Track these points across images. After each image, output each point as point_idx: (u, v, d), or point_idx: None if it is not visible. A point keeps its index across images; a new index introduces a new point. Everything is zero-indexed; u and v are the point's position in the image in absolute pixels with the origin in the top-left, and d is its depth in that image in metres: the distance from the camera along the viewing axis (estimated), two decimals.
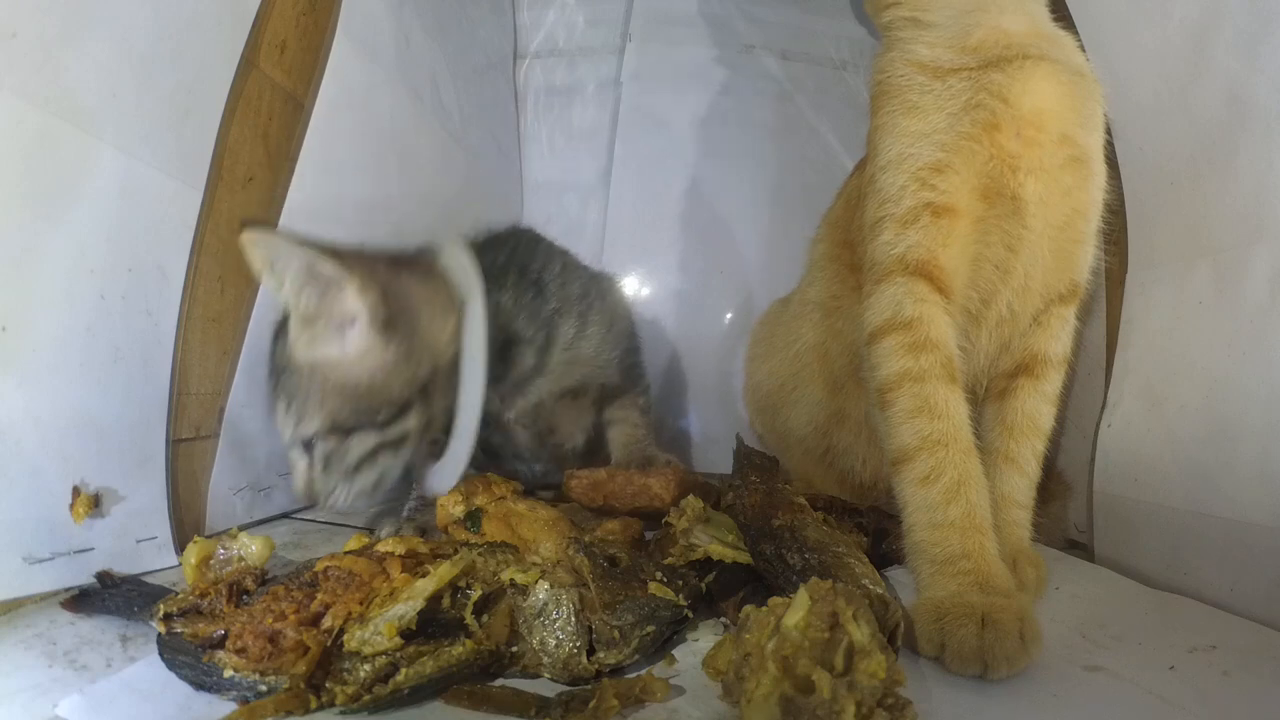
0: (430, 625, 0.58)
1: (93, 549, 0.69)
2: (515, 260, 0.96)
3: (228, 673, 0.55)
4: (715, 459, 1.30)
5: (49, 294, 0.66)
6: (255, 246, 0.71)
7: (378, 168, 1.10)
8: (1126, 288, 0.94)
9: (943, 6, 0.79)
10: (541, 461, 1.13)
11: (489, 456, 1.09)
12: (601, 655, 0.58)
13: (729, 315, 1.50)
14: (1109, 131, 0.84)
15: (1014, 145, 0.75)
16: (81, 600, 0.64)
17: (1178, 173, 0.86)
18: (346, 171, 1.02)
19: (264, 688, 0.54)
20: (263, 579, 0.66)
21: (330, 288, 0.75)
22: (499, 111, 1.50)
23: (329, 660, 0.55)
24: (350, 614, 0.58)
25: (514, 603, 0.61)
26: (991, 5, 0.78)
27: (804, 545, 0.67)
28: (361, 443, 0.78)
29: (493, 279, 0.91)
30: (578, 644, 0.58)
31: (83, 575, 0.67)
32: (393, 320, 0.78)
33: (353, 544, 0.70)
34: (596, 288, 1.05)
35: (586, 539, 0.71)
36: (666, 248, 1.51)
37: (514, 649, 0.59)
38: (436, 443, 0.85)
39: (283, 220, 0.91)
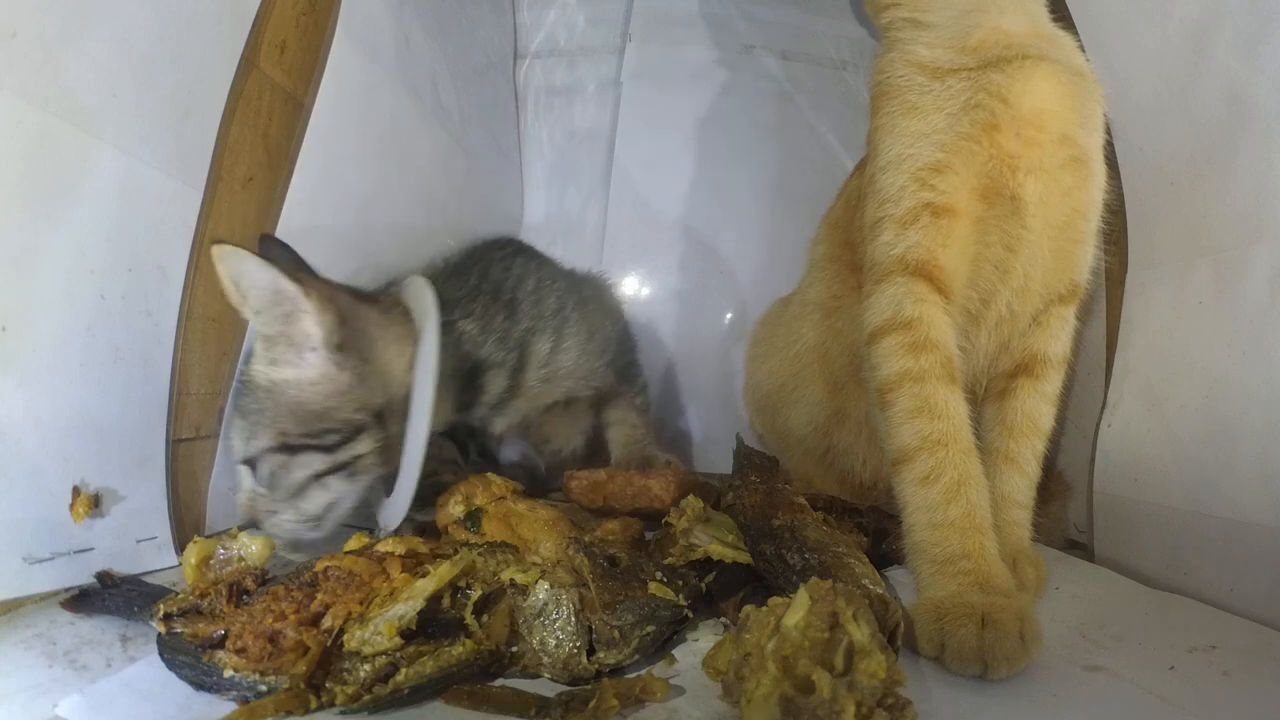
0: (430, 625, 0.58)
1: (93, 549, 0.69)
2: (487, 282, 0.95)
3: (228, 673, 0.55)
4: (715, 459, 1.30)
5: (49, 294, 0.66)
6: (222, 262, 0.72)
7: (378, 168, 1.10)
8: (1126, 288, 0.94)
9: (942, 7, 0.79)
10: (540, 467, 1.13)
11: (488, 463, 1.09)
12: (601, 655, 0.58)
13: (729, 315, 1.50)
14: (1109, 131, 0.84)
15: (1013, 145, 0.75)
16: (81, 600, 0.64)
17: (1178, 173, 0.86)
18: (346, 171, 1.02)
19: (264, 688, 0.54)
20: (263, 579, 0.65)
21: (290, 308, 0.75)
22: (499, 111, 1.50)
23: (329, 660, 0.55)
24: (350, 614, 0.58)
25: (514, 603, 0.61)
26: (991, 6, 0.78)
27: (804, 545, 0.67)
28: (307, 464, 0.76)
29: (461, 305, 0.90)
30: (578, 644, 0.58)
31: (83, 575, 0.67)
32: (346, 344, 0.77)
33: (353, 544, 0.70)
34: (576, 297, 1.03)
35: (586, 539, 0.71)
36: (666, 248, 1.51)
37: (514, 649, 0.59)
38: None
39: (283, 220, 0.91)
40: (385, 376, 0.81)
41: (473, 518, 0.79)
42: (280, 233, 0.90)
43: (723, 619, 0.69)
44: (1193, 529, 0.80)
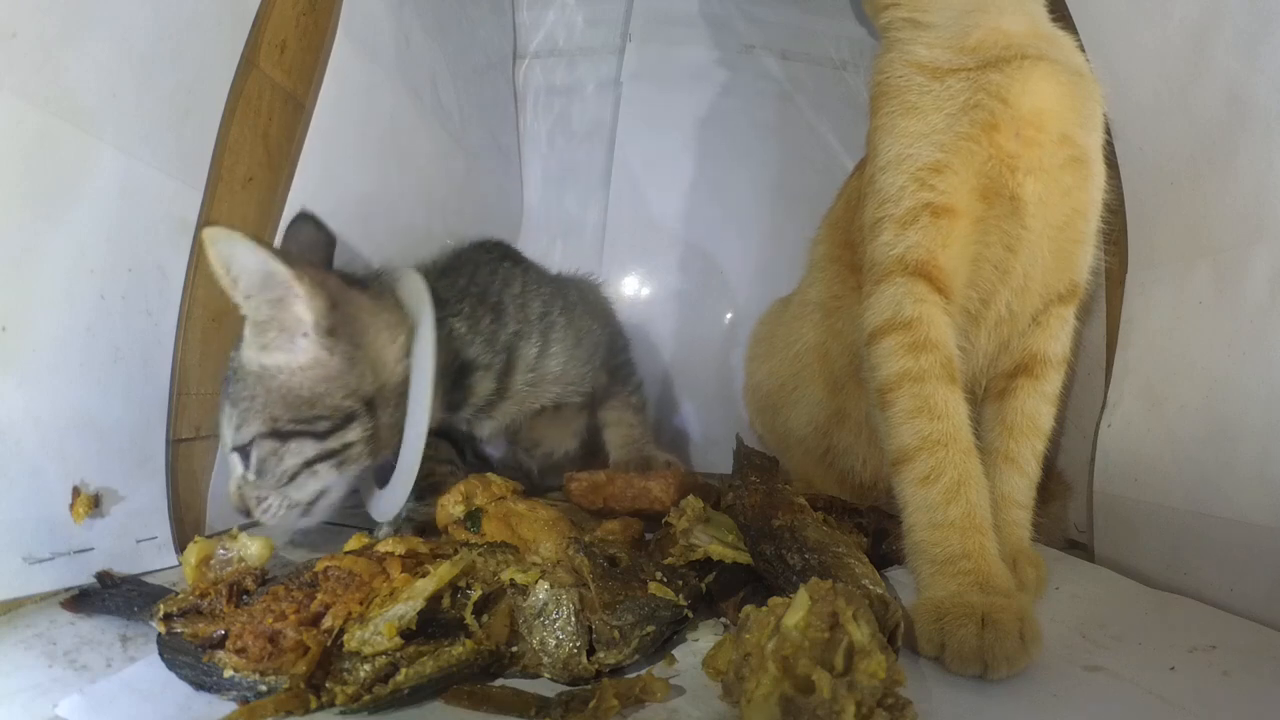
0: (430, 625, 0.58)
1: (93, 549, 0.69)
2: (475, 284, 0.95)
3: (228, 673, 0.55)
4: (715, 459, 1.30)
5: (49, 294, 0.66)
6: (214, 246, 0.71)
7: (378, 168, 1.10)
8: (1126, 288, 0.94)
9: (942, 7, 0.79)
10: (533, 470, 1.13)
11: (485, 465, 1.09)
12: (601, 655, 0.58)
13: (729, 315, 1.50)
14: (1109, 131, 0.84)
15: (1013, 145, 0.75)
16: (81, 600, 0.64)
17: (1178, 173, 0.86)
18: (347, 171, 1.02)
19: (264, 688, 0.54)
20: (263, 579, 0.66)
21: (282, 292, 0.74)
22: (499, 111, 1.50)
23: (329, 660, 0.55)
24: (350, 614, 0.58)
25: (514, 603, 0.61)
26: (990, 5, 0.78)
27: (804, 545, 0.67)
28: (299, 450, 0.76)
29: (450, 304, 0.90)
30: (578, 644, 0.58)
31: (83, 575, 0.67)
32: (337, 328, 0.77)
33: (353, 544, 0.70)
34: (562, 302, 1.03)
35: (586, 539, 0.71)
36: (666, 248, 1.51)
37: (514, 649, 0.59)
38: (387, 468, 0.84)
39: (283, 220, 0.91)
40: (376, 363, 0.81)
41: (473, 518, 0.79)
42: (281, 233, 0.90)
43: (723, 619, 0.69)
44: (1193, 529, 0.80)
